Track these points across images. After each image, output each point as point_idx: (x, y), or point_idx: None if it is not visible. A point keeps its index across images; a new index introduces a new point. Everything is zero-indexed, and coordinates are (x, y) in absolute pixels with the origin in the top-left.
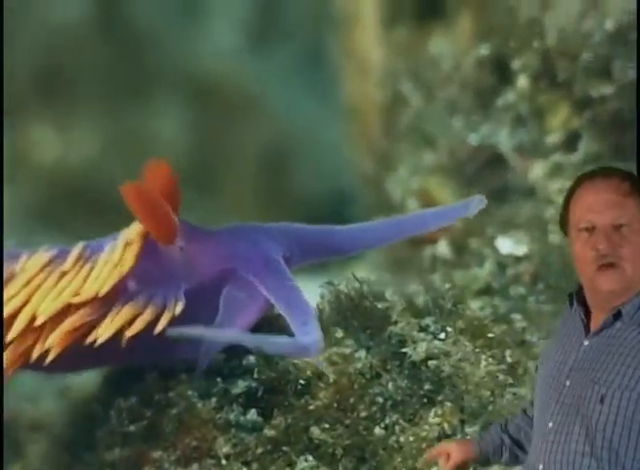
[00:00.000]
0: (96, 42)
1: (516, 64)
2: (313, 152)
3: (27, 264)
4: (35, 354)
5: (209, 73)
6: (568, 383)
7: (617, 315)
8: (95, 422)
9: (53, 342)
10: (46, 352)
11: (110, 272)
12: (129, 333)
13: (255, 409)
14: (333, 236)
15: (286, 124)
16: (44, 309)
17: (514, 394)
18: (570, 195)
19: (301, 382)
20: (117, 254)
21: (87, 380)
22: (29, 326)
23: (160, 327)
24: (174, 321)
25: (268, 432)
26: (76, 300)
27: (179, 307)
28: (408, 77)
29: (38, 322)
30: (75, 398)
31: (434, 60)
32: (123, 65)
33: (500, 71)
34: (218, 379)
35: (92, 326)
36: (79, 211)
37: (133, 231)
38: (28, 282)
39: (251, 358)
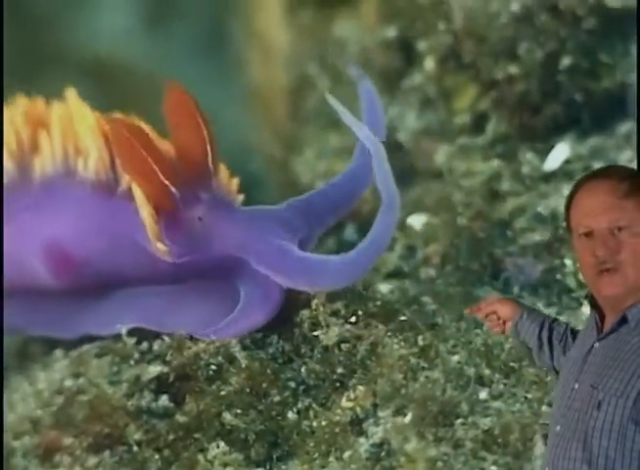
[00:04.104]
0: None
1: (422, 45)
2: (218, 135)
3: None
4: None
5: (108, 55)
6: (576, 386)
7: (623, 319)
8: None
9: None
10: None
11: None
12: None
13: (167, 395)
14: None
15: None
16: None
17: (426, 377)
18: (569, 199)
19: (213, 367)
20: None
21: None
22: None
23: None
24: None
25: (180, 418)
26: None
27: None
28: (314, 60)
29: None
30: None
31: (340, 42)
32: (18, 46)
33: (406, 54)
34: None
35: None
36: None
37: None
38: None
39: (164, 341)
